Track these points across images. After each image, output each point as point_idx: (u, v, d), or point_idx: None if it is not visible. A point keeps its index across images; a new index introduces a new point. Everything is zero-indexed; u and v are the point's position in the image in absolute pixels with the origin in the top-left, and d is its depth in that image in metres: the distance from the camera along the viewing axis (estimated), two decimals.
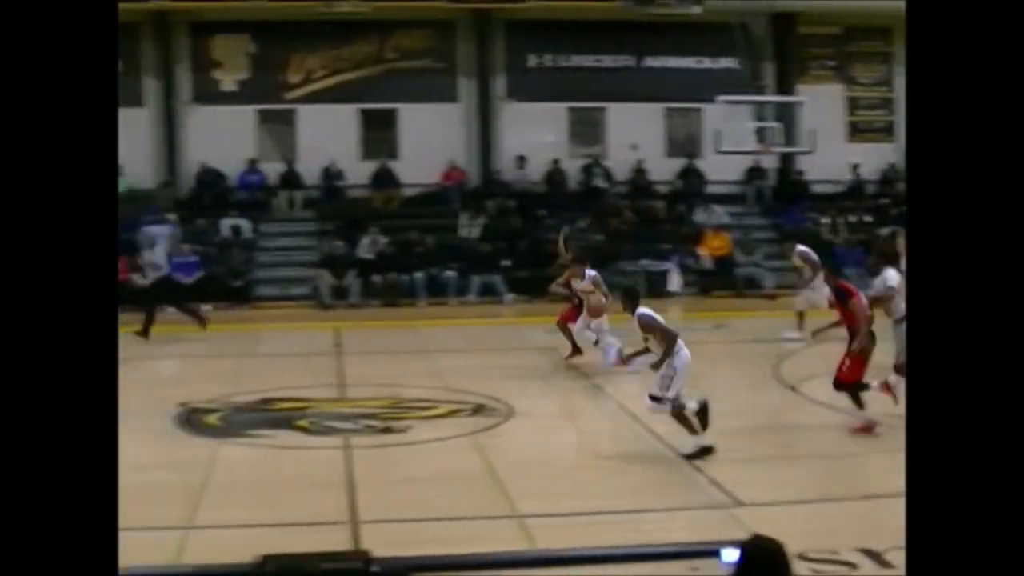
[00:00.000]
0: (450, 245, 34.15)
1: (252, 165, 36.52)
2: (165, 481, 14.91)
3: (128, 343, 25.73)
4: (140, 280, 30.88)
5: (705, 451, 15.19)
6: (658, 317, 15.82)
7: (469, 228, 35.06)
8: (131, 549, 10.39)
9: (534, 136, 37.41)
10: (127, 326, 26.65)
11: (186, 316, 27.50)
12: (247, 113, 37.01)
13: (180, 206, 35.66)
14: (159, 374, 24.06)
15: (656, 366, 15.56)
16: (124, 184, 35.42)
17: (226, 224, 35.07)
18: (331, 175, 36.71)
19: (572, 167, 37.74)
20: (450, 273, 33.00)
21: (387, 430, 17.57)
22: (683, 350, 15.52)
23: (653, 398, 15.43)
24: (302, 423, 17.97)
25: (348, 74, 37.63)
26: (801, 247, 23.77)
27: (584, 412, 19.19)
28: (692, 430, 15.33)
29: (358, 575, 7.29)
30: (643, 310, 15.80)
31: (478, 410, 18.64)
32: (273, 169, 36.87)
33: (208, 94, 36.94)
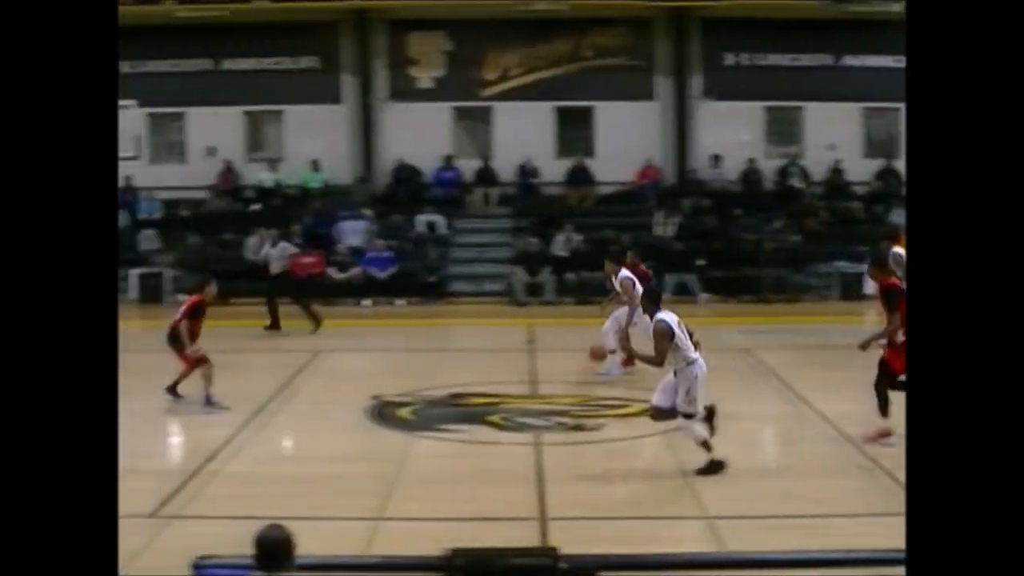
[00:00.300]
0: (645, 243, 34.02)
1: (448, 162, 36.75)
2: (358, 473, 15.10)
3: (321, 336, 26.12)
4: (336, 275, 31.38)
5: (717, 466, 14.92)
6: (675, 327, 14.81)
7: (664, 227, 34.89)
8: (323, 537, 10.54)
9: (730, 135, 37.11)
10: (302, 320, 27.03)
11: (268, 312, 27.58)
12: (443, 110, 37.26)
13: (376, 202, 36.02)
14: (351, 367, 24.34)
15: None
16: (321, 179, 36.01)
17: (421, 220, 35.33)
18: (526, 172, 36.79)
19: (768, 167, 37.37)
20: None
21: (578, 428, 17.58)
22: (699, 363, 14.84)
23: (684, 415, 14.96)
24: (494, 419, 18.06)
25: (544, 72, 37.69)
26: (898, 249, 21.97)
27: (777, 414, 18.98)
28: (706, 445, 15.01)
29: (546, 571, 7.30)
30: (662, 315, 14.84)
31: None
32: (469, 166, 37.07)
33: (405, 91, 37.26)
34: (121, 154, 30.21)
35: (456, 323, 30.45)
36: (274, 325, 26.75)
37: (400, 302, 32.16)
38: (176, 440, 18.32)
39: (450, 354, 25.87)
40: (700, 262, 33.33)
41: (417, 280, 33.29)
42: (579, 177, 36.80)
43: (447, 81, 37.43)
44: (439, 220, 35.45)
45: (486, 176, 36.89)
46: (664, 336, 14.65)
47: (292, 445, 17.98)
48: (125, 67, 35.31)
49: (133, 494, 14.33)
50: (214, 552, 8.30)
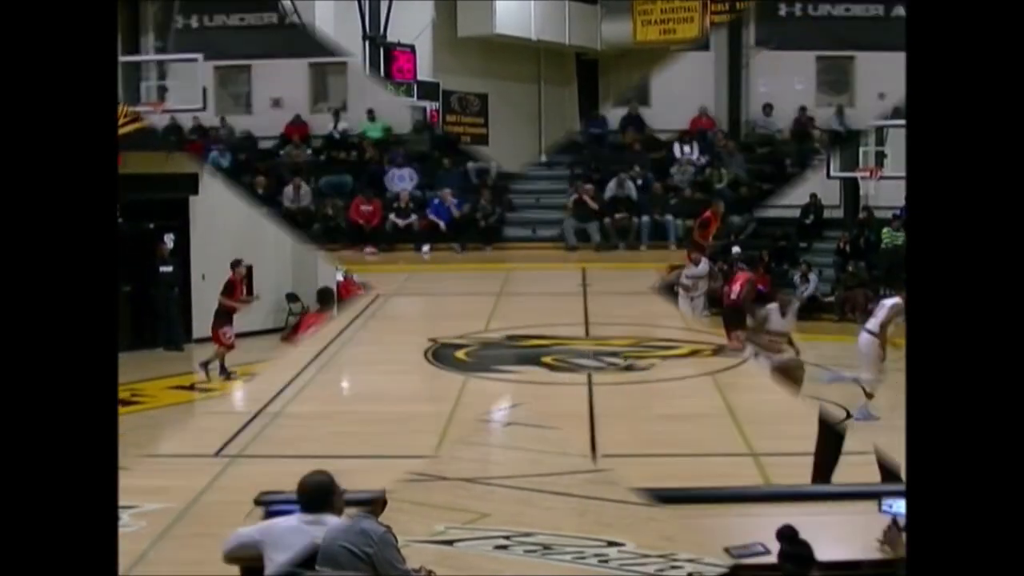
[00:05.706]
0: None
1: None
2: (420, 412, 15.61)
3: (380, 280, 26.39)
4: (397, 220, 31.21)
5: None
6: None
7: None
8: (391, 472, 11.06)
9: (783, 84, 37.03)
10: None
11: None
12: None
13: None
14: (411, 311, 24.69)
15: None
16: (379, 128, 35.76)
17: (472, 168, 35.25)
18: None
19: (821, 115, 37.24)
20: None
21: (630, 368, 18.02)
22: None
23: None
24: (548, 359, 18.43)
25: None
26: None
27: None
28: None
29: None
30: None
31: (719, 350, 18.92)
32: None
33: None
34: None
35: (512, 268, 30.57)
36: None
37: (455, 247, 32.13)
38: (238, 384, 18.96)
39: (506, 298, 26.08)
40: None
41: (474, 227, 33.21)
42: (633, 124, 36.86)
43: None
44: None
45: None
46: None
47: (354, 385, 18.47)
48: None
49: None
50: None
